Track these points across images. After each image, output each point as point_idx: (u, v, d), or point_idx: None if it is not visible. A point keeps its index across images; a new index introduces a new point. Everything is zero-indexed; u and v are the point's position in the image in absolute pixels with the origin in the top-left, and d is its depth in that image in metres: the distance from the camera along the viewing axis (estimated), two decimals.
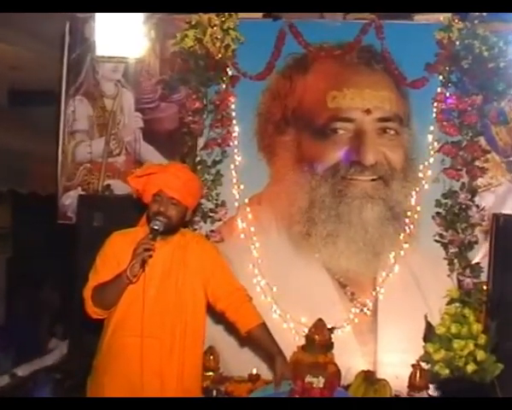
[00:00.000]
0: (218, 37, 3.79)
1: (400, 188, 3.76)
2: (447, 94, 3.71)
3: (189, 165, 3.63)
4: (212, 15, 3.80)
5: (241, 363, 3.66)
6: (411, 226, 3.75)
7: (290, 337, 3.68)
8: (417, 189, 3.76)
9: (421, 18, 3.82)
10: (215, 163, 3.85)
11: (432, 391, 3.44)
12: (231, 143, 3.88)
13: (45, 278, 6.25)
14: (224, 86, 3.87)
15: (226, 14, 3.79)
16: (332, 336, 3.50)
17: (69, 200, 4.10)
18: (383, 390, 3.36)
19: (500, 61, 3.63)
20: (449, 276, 3.67)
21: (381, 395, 3.34)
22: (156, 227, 2.68)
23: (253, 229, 3.88)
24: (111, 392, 2.70)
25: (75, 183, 4.13)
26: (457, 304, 3.57)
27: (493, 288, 3.49)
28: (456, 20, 3.65)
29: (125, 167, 4.06)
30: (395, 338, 3.70)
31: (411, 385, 3.46)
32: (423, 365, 3.51)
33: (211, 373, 3.56)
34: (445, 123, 3.70)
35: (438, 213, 3.70)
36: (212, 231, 3.80)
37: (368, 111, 3.77)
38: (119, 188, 3.99)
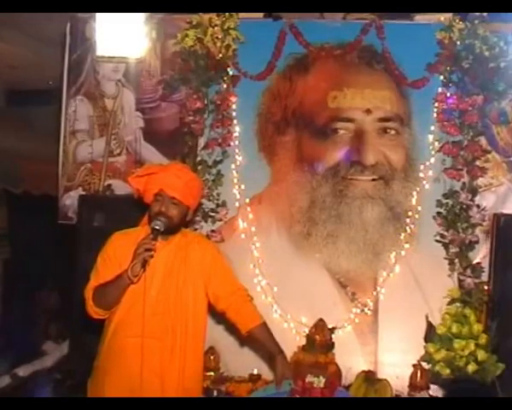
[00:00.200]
0: (219, 37, 3.79)
1: (401, 188, 3.76)
2: (448, 94, 3.72)
3: (190, 165, 3.64)
4: (213, 15, 3.81)
5: (242, 363, 3.66)
6: (412, 226, 3.75)
7: (291, 337, 3.68)
8: (418, 189, 3.76)
9: (422, 18, 3.82)
10: (216, 163, 3.86)
11: (432, 391, 3.44)
12: (232, 143, 3.88)
13: (45, 278, 6.23)
14: (224, 86, 3.87)
15: (227, 14, 3.80)
16: (333, 336, 3.51)
17: (70, 200, 4.10)
18: (384, 390, 3.36)
19: (501, 61, 3.64)
20: (450, 276, 3.67)
21: (381, 395, 3.34)
22: (157, 227, 2.68)
23: (253, 229, 3.88)
24: (111, 392, 2.70)
25: (76, 183, 4.13)
26: (458, 304, 3.57)
27: (494, 288, 3.49)
28: (457, 21, 3.65)
29: (126, 167, 4.07)
30: (396, 338, 3.70)
31: (412, 385, 3.46)
32: (424, 365, 3.51)
33: (211, 373, 3.57)
34: (445, 123, 3.71)
35: (438, 213, 3.70)
36: (212, 230, 3.80)
37: (368, 111, 3.77)
38: (120, 188, 3.99)
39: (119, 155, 4.11)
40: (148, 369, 2.69)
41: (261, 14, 3.94)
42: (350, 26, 3.85)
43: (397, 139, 3.80)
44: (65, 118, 4.16)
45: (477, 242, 3.65)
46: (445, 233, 3.67)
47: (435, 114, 3.75)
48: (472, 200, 3.65)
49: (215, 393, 3.43)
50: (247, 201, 3.90)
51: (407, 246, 3.76)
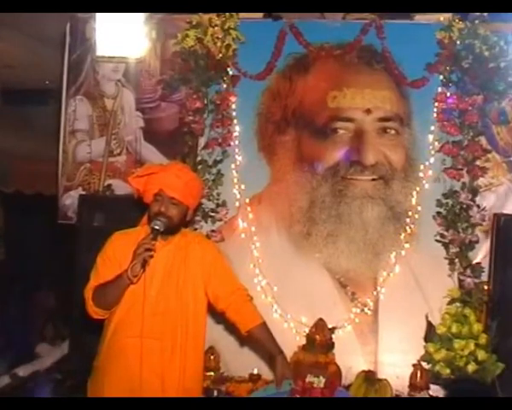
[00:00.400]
0: (219, 37, 3.79)
1: (401, 188, 3.76)
2: (448, 94, 3.71)
3: (190, 165, 3.64)
4: (213, 15, 3.81)
5: (242, 363, 3.66)
6: (412, 226, 3.75)
7: (291, 337, 3.68)
8: (418, 188, 3.76)
9: (422, 18, 3.81)
10: (216, 163, 3.86)
11: (432, 391, 3.44)
12: (232, 143, 3.88)
13: (43, 279, 6.23)
14: (224, 86, 3.87)
15: (227, 14, 3.80)
16: (333, 336, 3.51)
17: (70, 200, 4.10)
18: (384, 390, 3.36)
19: (501, 61, 3.63)
20: (450, 276, 3.67)
21: (381, 395, 3.34)
22: (157, 227, 2.68)
23: (253, 229, 3.88)
24: (111, 392, 2.70)
25: (76, 183, 4.13)
26: (458, 304, 3.57)
27: (494, 288, 3.49)
28: (457, 20, 3.65)
29: (126, 167, 4.07)
30: (396, 338, 3.70)
31: (412, 385, 3.46)
32: (424, 365, 3.51)
33: (211, 373, 3.57)
34: (445, 123, 3.70)
35: (438, 213, 3.69)
36: (212, 230, 3.81)
37: (368, 111, 3.77)
38: (120, 188, 3.99)
39: (119, 154, 4.11)
40: (148, 369, 2.69)
41: (261, 14, 3.95)
42: (350, 26, 3.85)
43: (397, 139, 3.80)
44: (65, 118, 4.15)
45: (477, 242, 3.65)
46: (445, 233, 3.66)
47: (435, 114, 3.75)
48: (472, 200, 3.65)
49: (215, 393, 3.43)
50: (247, 200, 3.90)
51: (407, 246, 3.76)
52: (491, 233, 3.59)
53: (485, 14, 3.61)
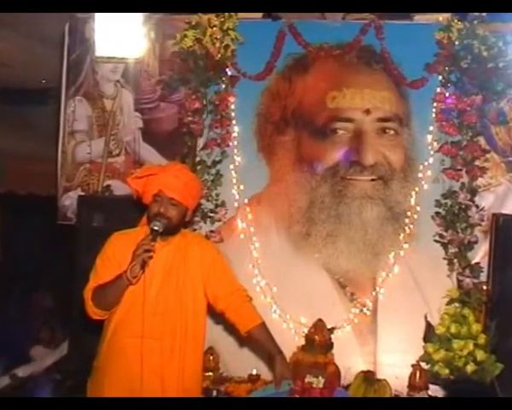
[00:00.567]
0: (218, 37, 3.79)
1: (400, 188, 3.76)
2: (447, 94, 3.72)
3: (189, 165, 3.64)
4: (212, 16, 3.81)
5: (241, 363, 3.66)
6: (411, 226, 3.75)
7: (290, 337, 3.68)
8: (417, 189, 3.76)
9: (421, 18, 3.82)
10: (215, 163, 3.86)
11: (432, 391, 3.44)
12: (231, 144, 3.88)
13: (44, 280, 6.22)
14: (223, 86, 3.87)
15: (226, 14, 3.80)
16: (332, 336, 3.51)
17: (69, 200, 4.10)
18: (383, 390, 3.36)
19: (499, 61, 3.64)
20: (448, 276, 3.67)
21: (380, 396, 3.34)
22: (156, 228, 2.68)
23: (252, 229, 3.88)
24: (111, 393, 2.70)
25: (75, 183, 4.13)
26: (457, 304, 3.57)
27: (493, 288, 3.50)
28: (456, 21, 3.65)
29: (125, 168, 4.07)
30: (395, 338, 3.70)
31: (411, 385, 3.46)
32: (423, 365, 3.51)
33: (211, 374, 3.57)
34: (444, 123, 3.71)
35: (437, 214, 3.70)
36: (211, 231, 3.81)
37: (367, 111, 3.78)
38: (119, 188, 3.99)
39: (118, 155, 4.11)
40: (148, 369, 2.69)
41: (260, 15, 3.95)
42: (349, 27, 3.86)
43: (396, 139, 3.80)
44: (64, 118, 4.15)
45: (476, 242, 3.65)
46: (444, 233, 3.67)
47: (434, 114, 3.75)
48: (471, 200, 3.65)
49: (214, 393, 3.42)
50: (246, 201, 3.90)
51: (406, 246, 3.76)
52: (490, 233, 3.59)
53: (484, 14, 3.62)
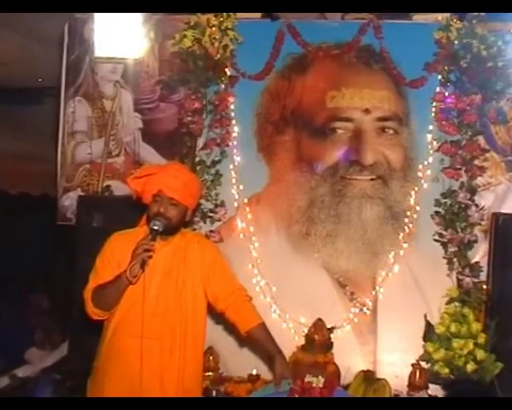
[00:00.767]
0: (217, 37, 3.79)
1: (399, 187, 3.76)
2: (446, 93, 3.72)
3: (189, 165, 3.65)
4: (211, 16, 3.81)
5: (241, 363, 3.66)
6: (411, 226, 3.75)
7: (290, 337, 3.68)
8: (416, 188, 3.76)
9: (420, 18, 3.82)
10: (214, 163, 3.86)
11: (432, 391, 3.44)
12: (230, 144, 3.89)
13: (44, 280, 6.21)
14: (222, 86, 3.88)
15: (225, 14, 3.81)
16: (331, 335, 3.51)
17: (69, 201, 4.10)
18: (383, 390, 3.36)
19: (499, 61, 3.64)
20: (448, 275, 3.67)
21: (380, 395, 3.33)
22: (156, 228, 2.68)
23: (252, 229, 3.88)
24: (111, 393, 2.70)
25: (75, 184, 4.13)
26: (457, 303, 3.57)
27: (493, 287, 3.49)
28: (455, 20, 3.66)
29: (125, 168, 4.07)
30: (395, 338, 3.70)
31: (411, 385, 3.46)
32: (423, 364, 3.51)
33: (210, 374, 3.57)
34: (444, 122, 3.71)
35: (437, 213, 3.70)
36: (211, 231, 3.81)
37: (367, 111, 3.78)
38: (119, 188, 3.99)
39: (117, 155, 4.11)
40: (148, 369, 2.69)
41: (259, 15, 3.95)
42: (348, 26, 3.86)
43: (395, 139, 3.80)
44: (63, 119, 4.15)
45: (476, 241, 3.65)
46: (444, 232, 3.67)
47: (433, 114, 3.76)
48: (470, 199, 3.65)
49: (214, 393, 3.42)
50: (246, 201, 3.90)
51: (406, 245, 3.76)
52: (490, 232, 3.59)
53: (483, 13, 3.62)
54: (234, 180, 3.89)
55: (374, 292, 3.78)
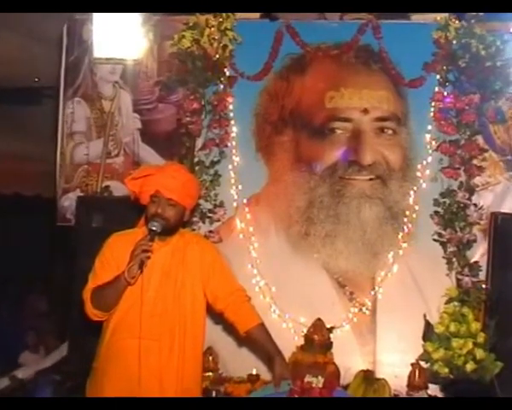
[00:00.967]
0: (216, 37, 3.80)
1: (398, 187, 3.76)
2: (445, 93, 3.73)
3: (187, 165, 3.64)
4: (210, 16, 3.81)
5: (241, 363, 3.65)
6: (410, 226, 3.76)
7: (289, 337, 3.68)
8: (415, 188, 3.77)
9: (419, 17, 3.82)
10: (213, 164, 3.86)
11: (431, 390, 3.44)
12: (229, 144, 3.89)
13: (44, 281, 6.21)
14: (221, 87, 3.88)
15: (223, 14, 3.81)
16: (331, 335, 3.51)
17: (68, 202, 4.10)
18: (382, 390, 3.36)
19: (497, 60, 3.64)
20: (447, 275, 3.67)
21: (380, 395, 3.33)
22: (154, 228, 2.68)
23: (251, 229, 3.88)
24: (110, 393, 2.69)
25: (74, 184, 4.13)
26: (456, 303, 3.57)
27: (492, 286, 3.50)
28: (453, 20, 3.66)
29: (124, 168, 4.07)
30: (394, 338, 3.70)
31: (410, 385, 3.46)
32: (422, 364, 3.51)
33: (210, 374, 3.57)
34: (442, 122, 3.71)
35: (436, 212, 3.70)
36: (210, 231, 3.81)
37: (365, 111, 3.78)
38: (118, 189, 3.99)
39: (116, 156, 4.11)
40: (147, 370, 2.69)
41: (258, 15, 3.95)
42: (347, 26, 3.86)
43: (394, 139, 3.80)
44: (62, 120, 4.15)
45: (475, 241, 3.65)
46: (443, 232, 3.67)
47: (432, 114, 3.76)
48: (469, 199, 3.66)
49: (214, 393, 3.42)
50: (245, 201, 3.90)
51: (405, 245, 3.76)
52: (489, 232, 3.60)
53: (482, 13, 3.62)
54: (233, 180, 3.89)
55: (373, 292, 3.78)
